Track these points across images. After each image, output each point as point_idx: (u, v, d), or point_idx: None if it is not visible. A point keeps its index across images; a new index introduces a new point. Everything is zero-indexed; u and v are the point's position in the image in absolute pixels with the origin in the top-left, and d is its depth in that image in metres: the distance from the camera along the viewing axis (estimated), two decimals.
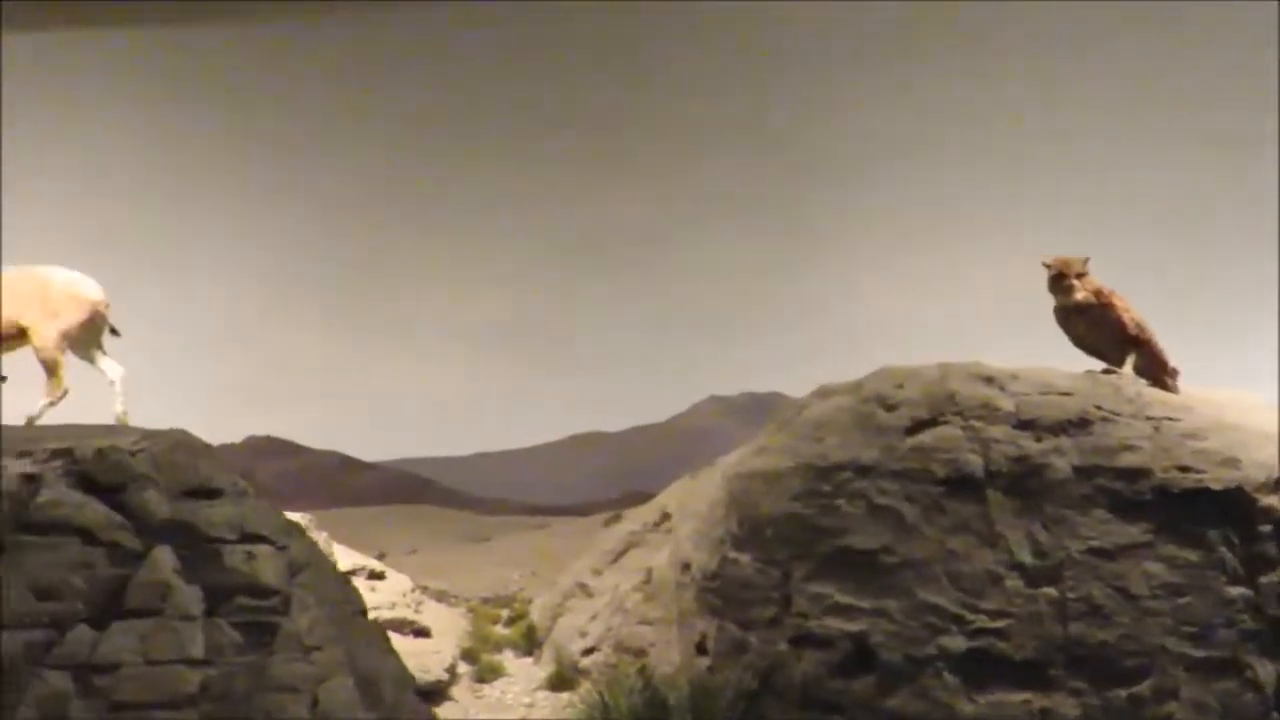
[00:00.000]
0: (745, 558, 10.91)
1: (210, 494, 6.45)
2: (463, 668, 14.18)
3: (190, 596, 6.07)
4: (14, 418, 7.63)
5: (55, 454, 6.34)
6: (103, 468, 6.31)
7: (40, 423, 7.60)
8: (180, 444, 6.61)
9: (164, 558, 6.11)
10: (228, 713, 5.85)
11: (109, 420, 7.66)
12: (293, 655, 6.10)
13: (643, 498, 18.24)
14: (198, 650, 5.99)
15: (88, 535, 6.09)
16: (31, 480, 6.18)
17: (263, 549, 6.32)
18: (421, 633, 14.02)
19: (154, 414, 7.72)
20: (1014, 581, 8.99)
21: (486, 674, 13.98)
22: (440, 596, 17.82)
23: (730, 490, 11.47)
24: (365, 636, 7.04)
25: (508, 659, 14.64)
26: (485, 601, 18.37)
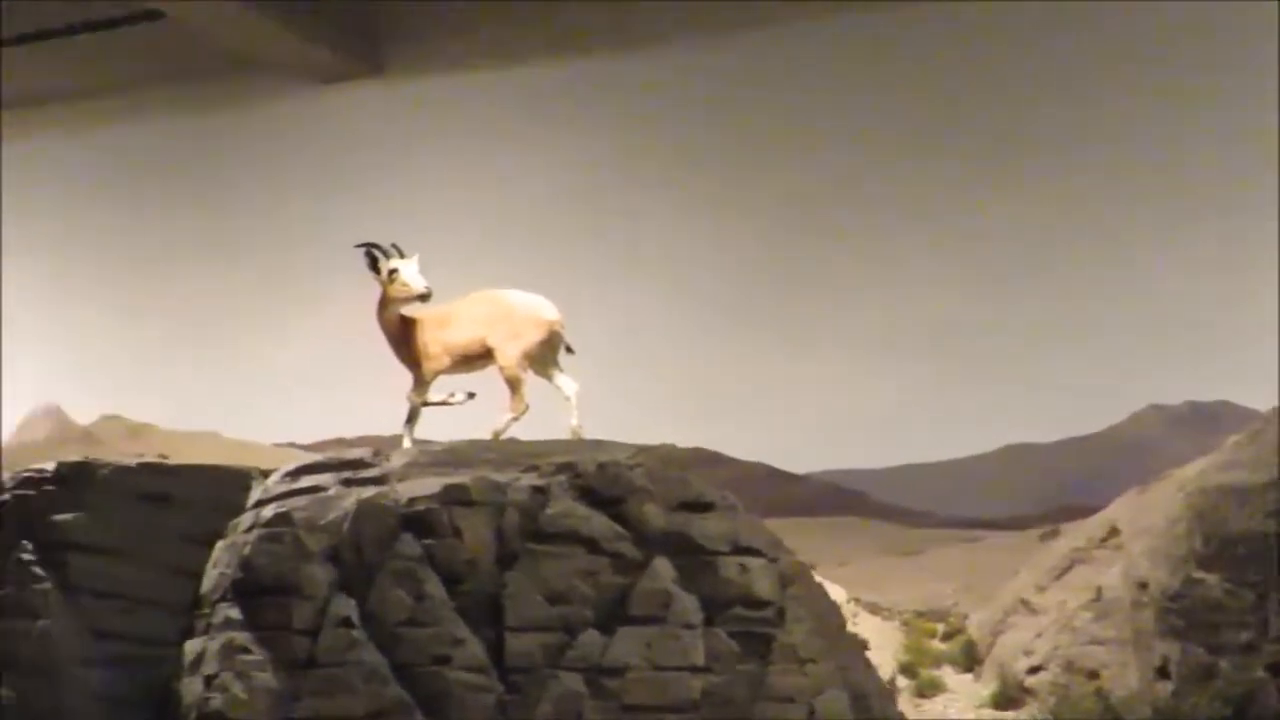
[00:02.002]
0: (1213, 577, 10.36)
1: (703, 507, 6.72)
2: (901, 682, 14.15)
3: (690, 606, 6.35)
4: (482, 432, 8.13)
5: (560, 468, 6.77)
6: (603, 481, 6.69)
7: (504, 436, 8.07)
8: (671, 458, 6.94)
9: (664, 568, 6.42)
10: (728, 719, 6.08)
11: (566, 434, 8.05)
12: (789, 666, 6.27)
13: (1079, 511, 17.55)
14: (699, 657, 6.26)
15: (593, 545, 6.48)
16: (540, 493, 6.63)
17: (755, 561, 6.53)
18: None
19: (599, 426, 8.07)
20: None
21: (927, 689, 13.90)
22: (874, 609, 17.83)
23: (1193, 505, 10.91)
24: (850, 650, 7.15)
25: (947, 674, 14.49)
26: (919, 615, 18.24)
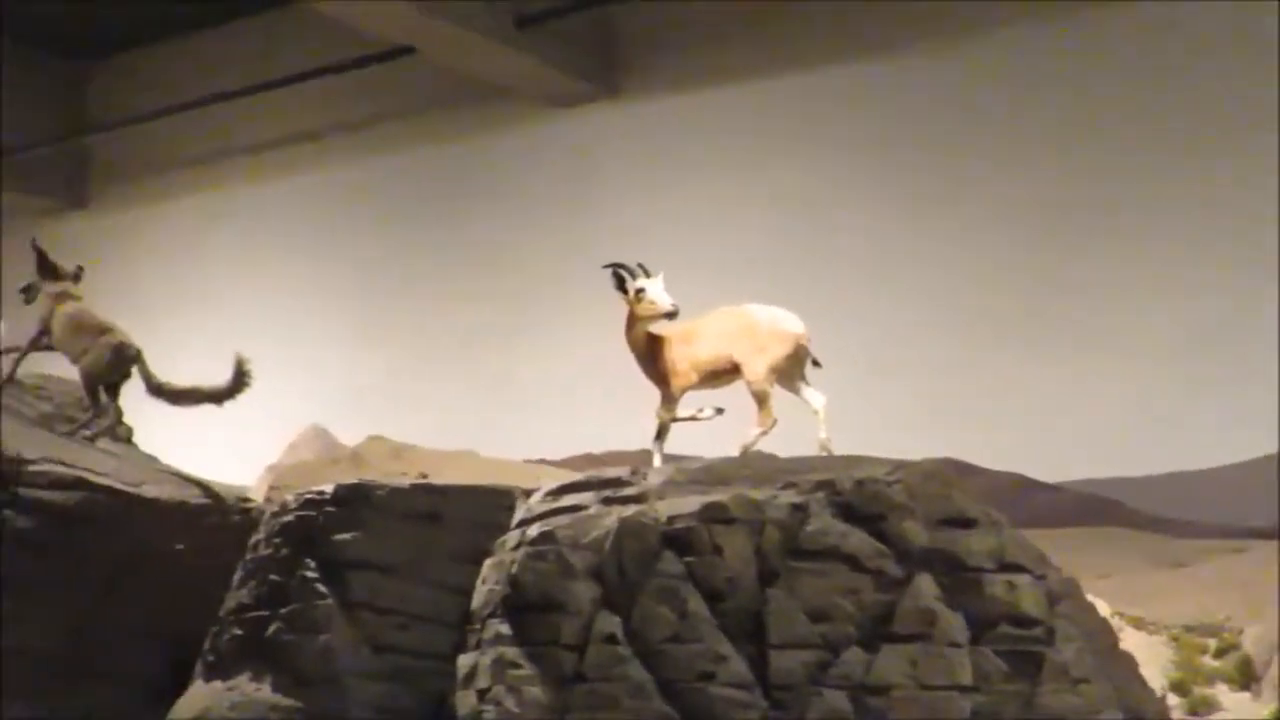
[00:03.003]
0: None
1: (965, 523, 6.62)
2: (1172, 700, 13.60)
3: (955, 624, 6.27)
4: (728, 446, 8.19)
5: (818, 485, 6.76)
6: (862, 497, 6.66)
7: (753, 450, 8.09)
8: (932, 474, 6.85)
9: (927, 585, 6.35)
10: None
11: (812, 447, 8.02)
12: (1060, 686, 6.13)
13: None
14: (966, 677, 6.16)
15: (853, 562, 6.45)
16: (799, 509, 6.63)
17: (1022, 579, 6.41)
18: None
19: (847, 439, 8.00)
20: None
21: (1200, 707, 13.34)
22: (1139, 624, 17.21)
23: None
24: (1124, 669, 6.93)
25: (1221, 692, 13.89)
26: (1189, 630, 17.50)
